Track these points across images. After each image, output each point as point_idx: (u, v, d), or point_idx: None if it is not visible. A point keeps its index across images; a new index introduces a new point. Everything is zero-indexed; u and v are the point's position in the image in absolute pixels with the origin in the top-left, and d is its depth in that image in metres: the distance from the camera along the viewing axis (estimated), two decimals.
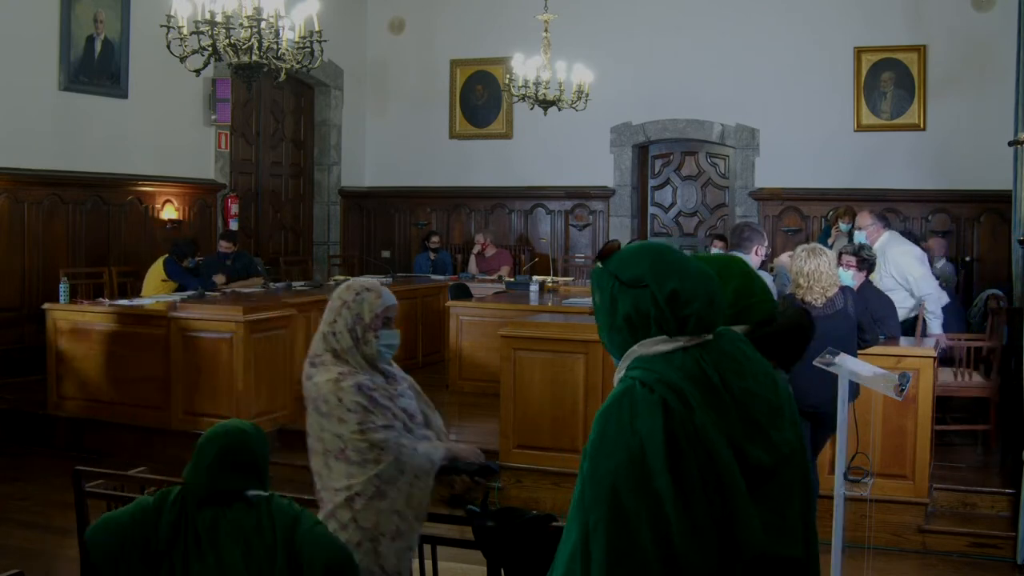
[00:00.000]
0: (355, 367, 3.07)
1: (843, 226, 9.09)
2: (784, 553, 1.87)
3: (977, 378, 6.88)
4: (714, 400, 1.87)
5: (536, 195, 12.18)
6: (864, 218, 7.27)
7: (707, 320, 1.93)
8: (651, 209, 12.18)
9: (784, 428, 1.95)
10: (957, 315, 7.83)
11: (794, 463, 1.95)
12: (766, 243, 6.04)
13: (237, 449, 2.69)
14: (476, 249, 11.53)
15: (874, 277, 6.41)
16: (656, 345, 1.92)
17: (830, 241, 9.09)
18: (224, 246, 9.45)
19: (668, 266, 1.94)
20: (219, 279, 8.92)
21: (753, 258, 5.76)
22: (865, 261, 5.85)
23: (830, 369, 4.21)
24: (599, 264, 2.02)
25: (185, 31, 5.70)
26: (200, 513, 2.63)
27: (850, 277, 5.68)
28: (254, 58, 5.72)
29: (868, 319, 5.25)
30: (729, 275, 2.27)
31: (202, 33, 5.66)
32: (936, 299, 6.86)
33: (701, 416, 1.83)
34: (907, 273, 6.78)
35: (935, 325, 6.74)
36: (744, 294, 2.30)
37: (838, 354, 4.27)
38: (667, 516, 1.77)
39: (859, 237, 7.18)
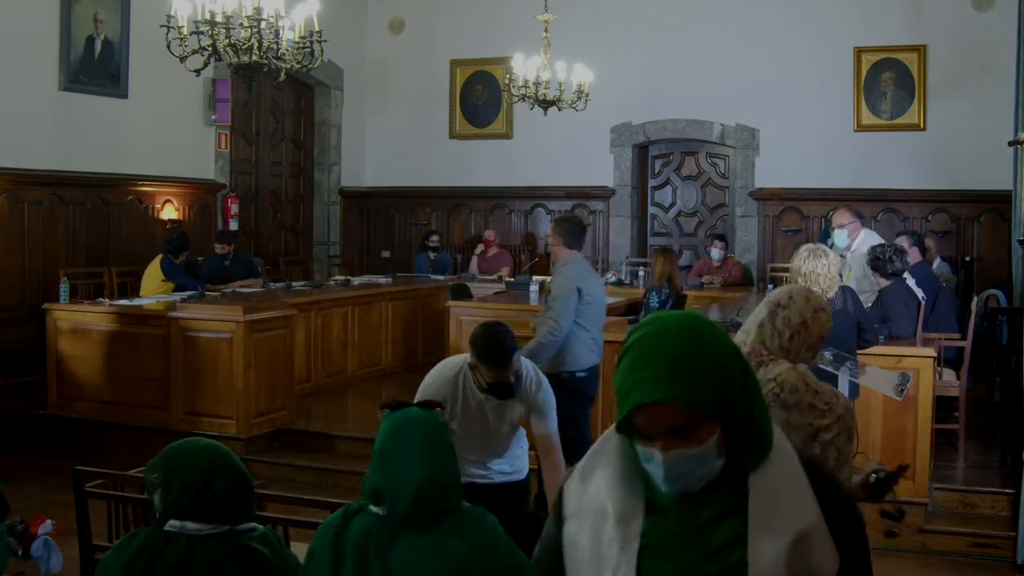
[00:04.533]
0: None
1: None
2: None
3: (947, 377, 6.78)
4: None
5: (536, 195, 12.18)
6: (843, 215, 7.19)
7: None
8: (651, 209, 12.18)
9: None
10: (956, 315, 7.79)
11: None
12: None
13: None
14: (479, 250, 11.55)
15: (848, 276, 6.36)
16: None
17: (830, 241, 9.08)
18: (218, 247, 9.42)
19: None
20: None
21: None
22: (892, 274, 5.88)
23: (829, 369, 4.21)
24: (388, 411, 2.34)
25: (185, 31, 5.70)
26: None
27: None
28: (254, 58, 5.71)
29: (867, 319, 5.25)
30: None
31: (202, 33, 5.66)
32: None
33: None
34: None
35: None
36: None
37: (838, 354, 4.26)
38: None
39: (840, 235, 7.12)
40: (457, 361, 3.97)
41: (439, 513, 2.22)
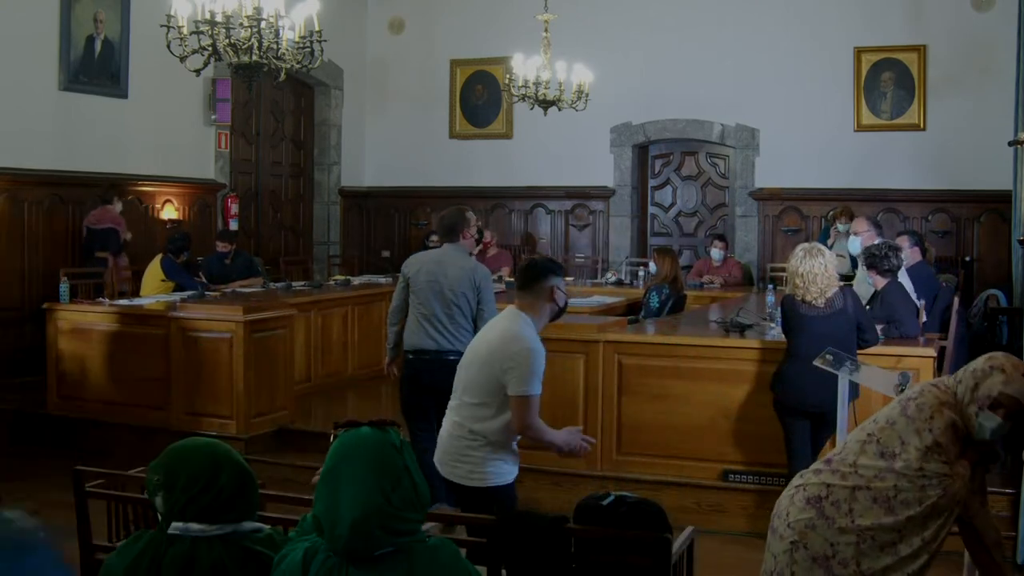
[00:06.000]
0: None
1: (840, 226, 9.11)
2: None
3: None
4: None
5: (536, 195, 12.19)
6: (860, 224, 7.25)
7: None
8: (651, 209, 12.18)
9: None
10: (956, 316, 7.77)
11: None
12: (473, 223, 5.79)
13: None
14: (478, 250, 11.53)
15: (855, 282, 6.38)
16: None
17: (829, 241, 9.11)
18: (220, 246, 9.45)
19: None
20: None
21: (463, 242, 5.58)
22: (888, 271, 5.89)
23: (829, 369, 4.22)
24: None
25: (185, 31, 5.70)
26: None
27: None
28: (254, 58, 5.71)
29: (868, 319, 5.25)
30: None
31: (202, 33, 5.66)
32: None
33: None
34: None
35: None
36: None
37: (838, 354, 4.27)
38: None
39: (854, 242, 7.15)
40: (520, 326, 3.82)
41: (384, 546, 2.01)
